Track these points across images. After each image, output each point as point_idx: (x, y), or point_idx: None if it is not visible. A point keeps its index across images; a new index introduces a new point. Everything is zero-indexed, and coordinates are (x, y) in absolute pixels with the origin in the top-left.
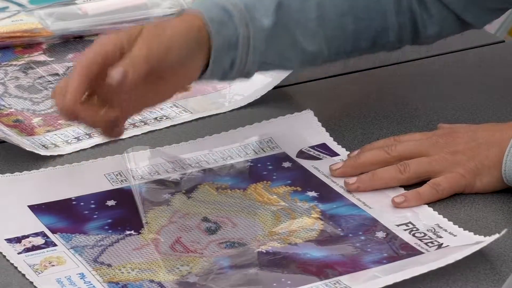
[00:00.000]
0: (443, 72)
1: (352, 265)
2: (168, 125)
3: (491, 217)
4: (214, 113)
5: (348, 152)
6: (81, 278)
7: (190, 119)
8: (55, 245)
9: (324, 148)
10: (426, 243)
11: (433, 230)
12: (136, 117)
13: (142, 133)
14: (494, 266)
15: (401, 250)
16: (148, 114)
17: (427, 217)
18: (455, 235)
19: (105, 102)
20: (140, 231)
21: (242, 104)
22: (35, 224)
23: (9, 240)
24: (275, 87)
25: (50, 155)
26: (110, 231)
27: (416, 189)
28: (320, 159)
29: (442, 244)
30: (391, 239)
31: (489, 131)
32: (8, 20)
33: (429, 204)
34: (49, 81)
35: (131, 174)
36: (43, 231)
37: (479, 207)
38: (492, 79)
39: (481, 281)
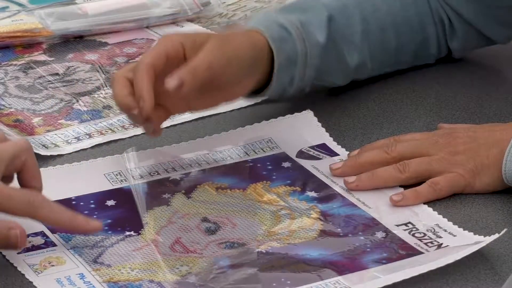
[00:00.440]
0: (443, 72)
1: (352, 265)
2: (168, 125)
3: (491, 217)
4: (214, 113)
5: (348, 152)
6: (80, 278)
7: (190, 119)
8: (54, 245)
9: (323, 148)
10: (425, 243)
11: (432, 230)
12: None
13: (142, 133)
14: (494, 266)
15: (400, 250)
16: None
17: (426, 217)
18: (454, 235)
19: (157, 100)
20: (139, 231)
21: (242, 105)
22: (35, 224)
23: None
24: None
25: (50, 155)
26: (109, 232)
27: (414, 187)
28: (320, 159)
29: (441, 244)
30: (391, 239)
31: (489, 131)
32: (8, 20)
33: (429, 204)
34: (49, 81)
35: (131, 174)
36: (42, 231)
37: (479, 207)
38: (492, 79)
39: (481, 281)
